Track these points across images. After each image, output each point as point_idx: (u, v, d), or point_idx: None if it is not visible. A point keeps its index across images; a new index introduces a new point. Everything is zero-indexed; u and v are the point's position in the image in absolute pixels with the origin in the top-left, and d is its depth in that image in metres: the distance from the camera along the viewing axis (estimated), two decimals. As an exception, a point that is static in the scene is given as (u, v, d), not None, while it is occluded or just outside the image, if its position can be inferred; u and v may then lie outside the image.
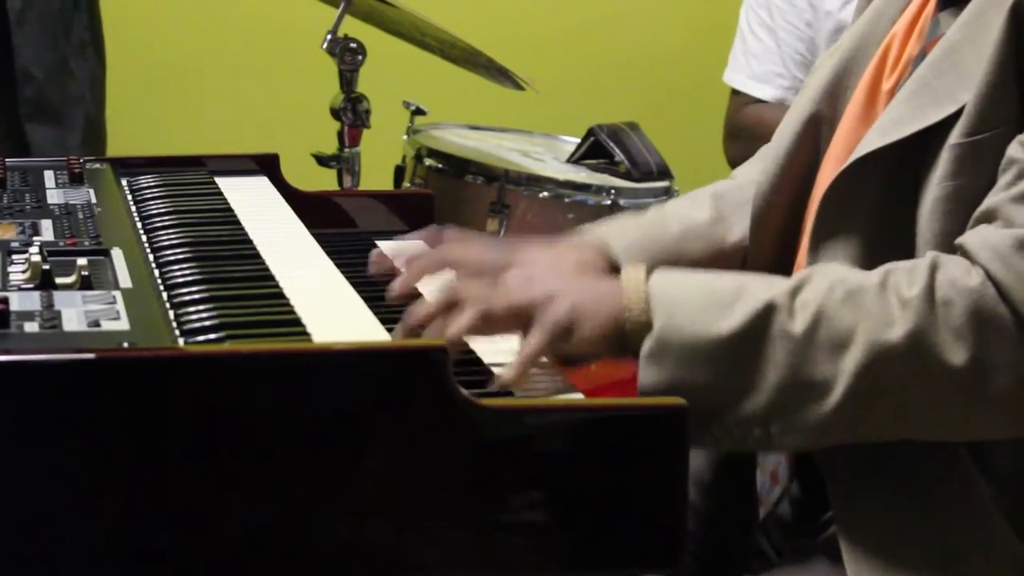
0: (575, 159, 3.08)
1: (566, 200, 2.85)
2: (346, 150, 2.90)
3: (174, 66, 3.69)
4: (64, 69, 2.82)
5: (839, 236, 1.62)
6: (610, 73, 3.61)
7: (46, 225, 1.78)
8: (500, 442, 1.35)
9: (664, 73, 3.24)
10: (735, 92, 3.16)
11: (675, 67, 3.33)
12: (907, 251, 1.56)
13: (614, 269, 1.69)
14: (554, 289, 1.51)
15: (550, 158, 3.11)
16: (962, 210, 1.54)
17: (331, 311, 1.60)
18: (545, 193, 2.84)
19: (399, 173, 3.06)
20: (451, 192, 2.90)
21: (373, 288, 1.71)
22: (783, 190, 1.76)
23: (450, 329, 1.49)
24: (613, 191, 2.86)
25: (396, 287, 1.63)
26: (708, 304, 1.48)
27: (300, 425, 1.32)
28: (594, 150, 3.06)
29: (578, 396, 1.47)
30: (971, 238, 1.49)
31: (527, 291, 1.52)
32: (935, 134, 1.56)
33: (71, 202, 1.90)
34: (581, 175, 2.96)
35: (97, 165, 2.12)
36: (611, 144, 3.03)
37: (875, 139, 1.60)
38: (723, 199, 1.83)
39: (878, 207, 1.60)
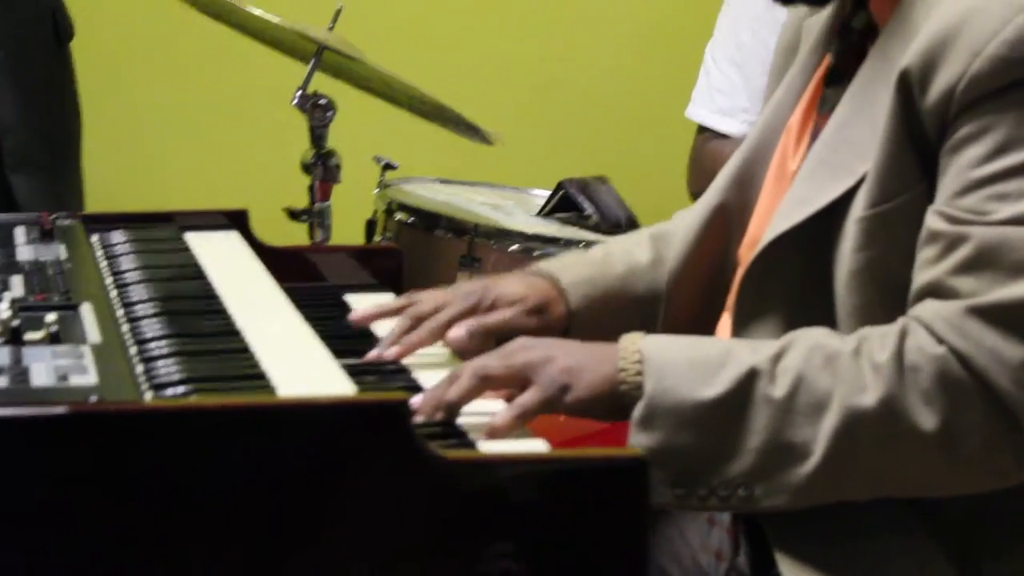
0: (546, 212, 3.11)
1: (536, 253, 2.87)
2: (317, 205, 2.94)
3: (147, 122, 3.73)
4: (46, 121, 2.87)
5: (762, 315, 1.70)
6: (580, 127, 3.66)
7: (16, 281, 1.81)
8: (463, 493, 1.37)
9: (633, 126, 3.28)
10: (700, 129, 3.18)
11: (644, 120, 3.36)
12: (830, 324, 1.61)
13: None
14: (552, 352, 1.58)
15: (521, 212, 3.15)
16: (877, 280, 1.61)
17: (297, 365, 1.62)
18: (515, 246, 2.86)
19: (370, 227, 3.09)
20: (422, 246, 2.92)
21: (340, 341, 1.75)
22: (694, 276, 1.85)
23: (450, 392, 1.55)
24: (583, 244, 2.89)
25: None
26: (695, 369, 1.55)
27: (265, 479, 1.34)
28: (564, 203, 3.09)
29: (540, 446, 1.50)
30: (924, 312, 1.54)
31: (526, 354, 1.58)
32: (840, 209, 1.63)
33: (41, 258, 1.93)
34: (551, 228, 2.99)
35: (68, 221, 2.14)
36: (581, 197, 3.06)
37: (782, 222, 1.68)
38: (662, 241, 1.93)
39: (797, 285, 1.68)
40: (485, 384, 1.57)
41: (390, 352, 1.74)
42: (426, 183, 3.28)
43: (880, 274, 1.60)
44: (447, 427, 1.54)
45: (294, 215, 2.95)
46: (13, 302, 1.64)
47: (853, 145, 1.63)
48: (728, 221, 1.84)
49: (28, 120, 2.81)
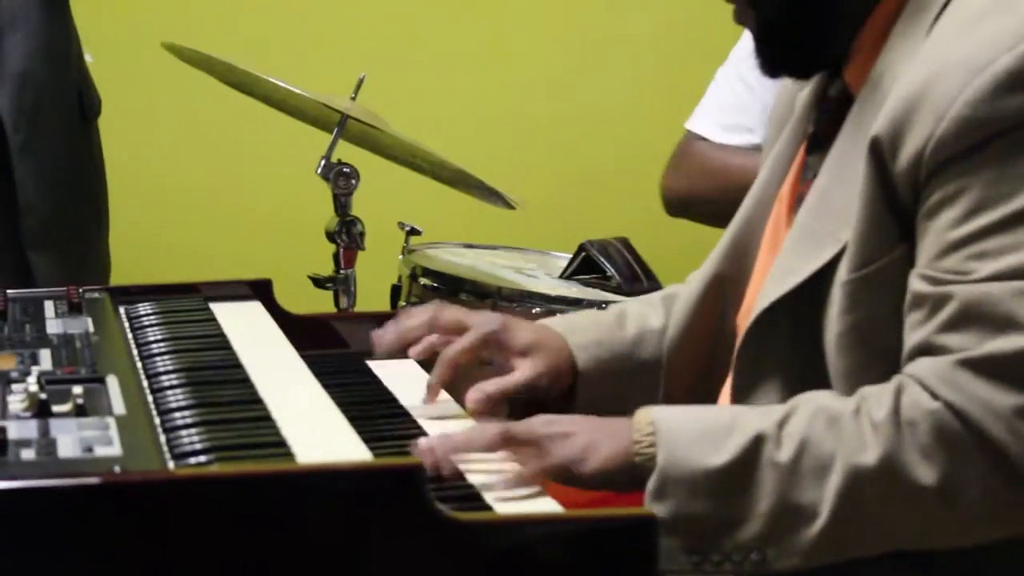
0: (567, 275, 3.13)
1: (558, 315, 2.91)
2: (342, 272, 2.99)
3: (174, 193, 3.77)
4: (68, 198, 2.87)
5: (761, 381, 1.74)
6: (600, 189, 3.69)
7: (45, 355, 1.84)
8: (478, 554, 1.42)
9: (652, 188, 3.30)
10: (690, 133, 3.14)
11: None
12: (825, 386, 1.65)
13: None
14: (572, 428, 1.64)
15: (543, 274, 3.17)
16: (864, 342, 1.64)
17: (317, 432, 1.66)
18: (537, 308, 2.88)
19: (395, 292, 3.12)
20: None
21: (360, 407, 1.80)
22: (692, 344, 1.90)
23: (474, 437, 1.64)
24: (604, 305, 2.92)
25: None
26: (704, 438, 1.58)
27: (284, 544, 1.38)
28: (586, 265, 3.11)
29: (552, 506, 1.55)
30: (918, 370, 1.57)
31: (549, 427, 1.65)
32: (827, 275, 1.66)
33: (69, 331, 1.96)
34: (572, 290, 3.02)
35: (96, 294, 2.18)
36: (602, 259, 3.08)
37: (773, 291, 1.72)
38: (674, 311, 1.96)
39: (791, 350, 1.71)
40: (506, 443, 1.63)
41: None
42: (450, 248, 3.30)
43: (866, 336, 1.64)
44: (462, 489, 1.59)
45: (319, 283, 3.00)
46: (40, 376, 1.67)
47: (834, 213, 1.67)
48: (724, 291, 1.89)
49: (48, 199, 2.83)
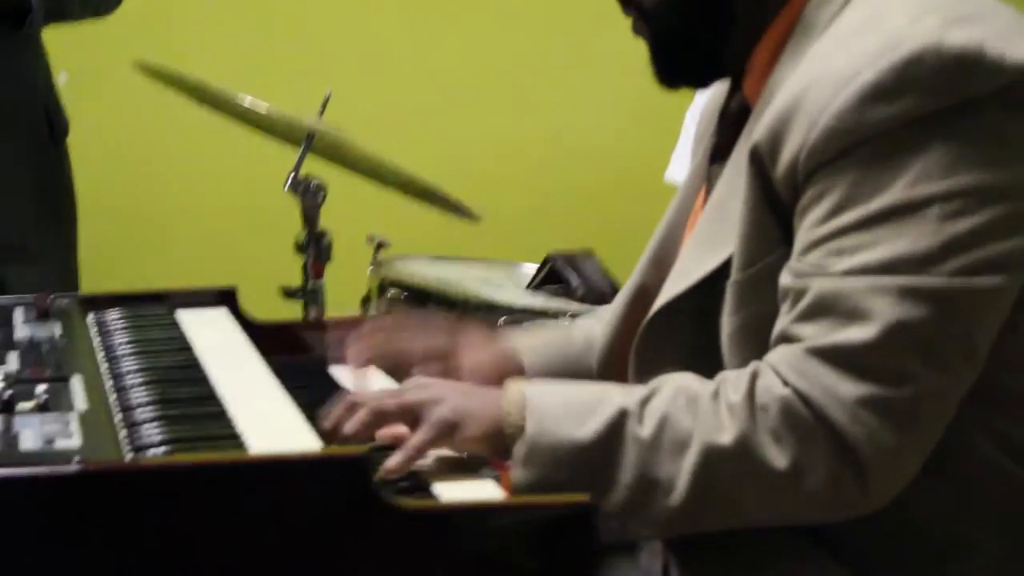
0: (534, 286, 3.17)
1: (523, 325, 2.95)
2: (311, 283, 3.00)
3: (144, 209, 3.77)
4: (37, 216, 2.88)
5: (652, 377, 1.75)
6: (566, 202, 3.71)
7: (12, 357, 1.90)
8: (419, 539, 1.46)
9: (617, 200, 3.35)
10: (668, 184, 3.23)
11: (627, 194, 3.43)
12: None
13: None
14: (443, 393, 1.69)
15: (510, 285, 3.20)
16: (753, 337, 1.68)
17: (272, 427, 1.72)
18: (504, 319, 2.90)
19: (365, 304, 3.17)
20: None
21: (317, 408, 1.80)
22: (621, 353, 1.91)
23: (347, 426, 1.67)
24: (569, 315, 2.96)
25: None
26: (571, 412, 1.63)
27: (234, 530, 1.43)
28: (552, 276, 3.15)
29: (495, 494, 1.60)
30: (772, 356, 1.62)
31: (419, 393, 1.70)
32: (720, 277, 1.70)
33: (37, 336, 2.02)
34: (538, 301, 3.05)
35: (65, 302, 2.23)
36: (568, 270, 3.12)
37: (668, 291, 1.77)
38: (603, 321, 2.00)
39: (688, 350, 1.76)
40: (380, 420, 1.68)
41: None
42: (419, 260, 3.34)
43: (754, 333, 1.68)
44: (409, 478, 1.64)
45: (289, 294, 3.02)
46: (6, 376, 1.72)
47: (727, 219, 1.71)
48: (647, 298, 1.90)
49: (15, 216, 2.84)
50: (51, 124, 2.93)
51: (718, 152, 1.86)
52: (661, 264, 1.92)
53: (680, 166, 3.24)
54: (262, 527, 1.44)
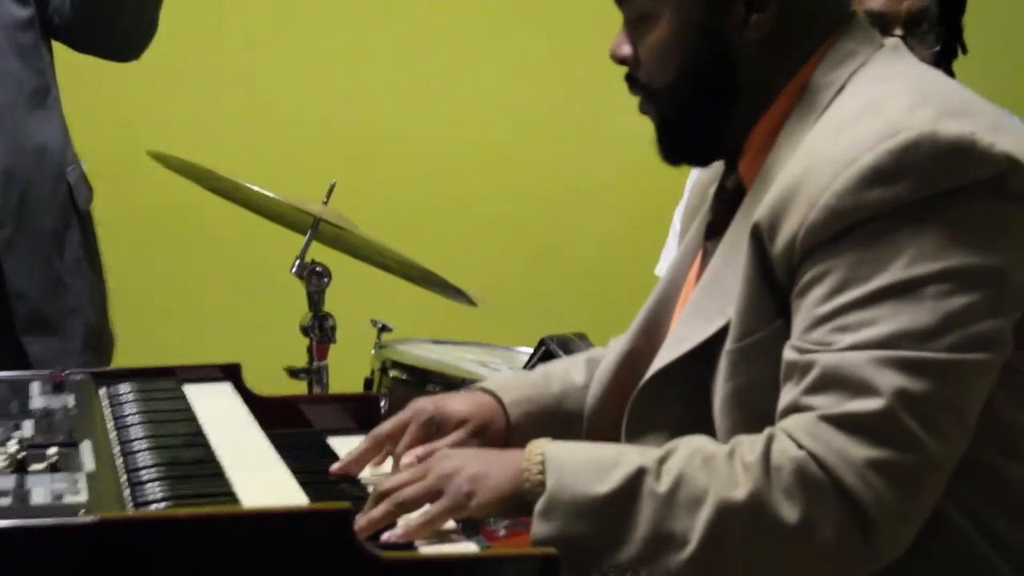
0: (529, 367, 3.09)
1: (491, 378, 2.95)
2: (315, 364, 3.05)
3: (158, 288, 3.79)
4: (59, 284, 2.87)
5: (646, 437, 1.83)
6: (560, 289, 3.72)
7: (27, 424, 1.96)
8: None
9: (609, 287, 3.39)
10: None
11: (618, 280, 3.47)
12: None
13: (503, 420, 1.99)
14: (461, 463, 1.74)
15: (506, 368, 3.23)
16: (743, 406, 1.74)
17: (266, 489, 1.78)
18: None
19: (368, 385, 3.19)
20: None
21: (312, 474, 1.90)
22: (608, 414, 1.97)
23: (369, 518, 1.73)
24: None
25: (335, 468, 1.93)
26: (591, 468, 1.68)
27: None
28: (546, 359, 3.05)
29: (470, 548, 1.67)
30: (786, 423, 1.66)
31: (440, 466, 1.75)
32: (715, 345, 1.76)
33: (51, 407, 2.07)
34: (521, 372, 3.11)
35: (79, 376, 2.27)
36: (561, 353, 3.04)
37: (664, 357, 1.82)
38: (596, 365, 2.06)
39: (681, 413, 1.81)
40: (401, 510, 1.73)
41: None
42: (419, 343, 3.36)
43: (746, 400, 1.73)
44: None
45: (294, 373, 3.07)
46: (21, 440, 1.80)
47: (724, 291, 1.76)
48: (637, 364, 1.95)
49: (38, 287, 2.84)
50: (73, 197, 2.95)
51: (712, 229, 1.92)
52: (651, 332, 1.98)
53: (661, 263, 3.34)
54: (252, 571, 1.50)
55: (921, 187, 1.65)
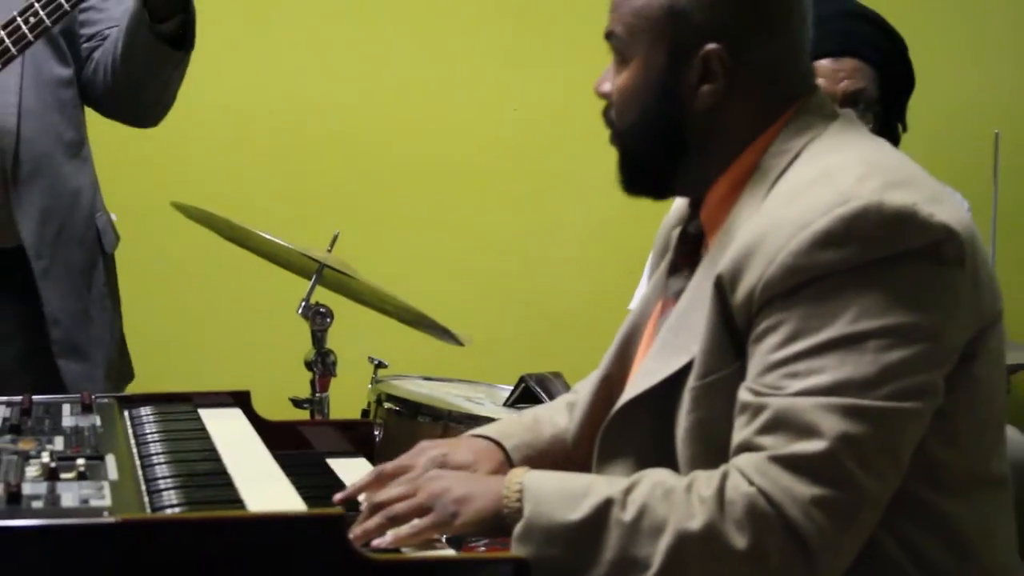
0: (509, 403, 3.19)
1: (487, 425, 2.94)
2: (317, 395, 3.04)
3: (178, 327, 3.80)
4: (86, 316, 2.87)
5: (615, 463, 1.83)
6: (538, 331, 3.73)
7: (59, 440, 1.98)
8: None
9: (583, 330, 3.40)
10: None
11: (593, 324, 3.48)
12: (672, 468, 1.75)
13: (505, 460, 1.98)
14: (449, 484, 1.76)
15: (489, 402, 3.23)
16: (703, 437, 1.74)
17: (270, 498, 1.82)
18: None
19: (364, 415, 3.18)
20: (406, 429, 3.00)
21: (313, 489, 1.93)
22: (590, 434, 1.96)
23: (360, 530, 1.73)
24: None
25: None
26: (564, 497, 1.70)
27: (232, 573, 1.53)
28: (525, 395, 3.16)
29: (449, 552, 1.70)
30: (739, 461, 1.67)
31: (429, 485, 1.77)
32: (679, 380, 1.76)
33: (80, 425, 2.09)
34: (513, 416, 3.13)
35: (105, 400, 2.30)
36: (538, 390, 3.14)
37: (631, 390, 1.83)
38: (574, 408, 2.07)
39: (648, 441, 1.81)
40: (392, 523, 1.74)
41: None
42: (411, 379, 3.36)
43: (705, 432, 1.73)
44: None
45: (297, 403, 3.06)
46: (52, 453, 1.83)
47: (689, 331, 1.77)
48: (612, 389, 1.96)
49: (70, 314, 2.84)
50: (100, 236, 2.97)
51: (674, 267, 1.93)
52: (623, 358, 1.98)
53: (634, 301, 3.35)
54: (256, 570, 1.54)
55: (867, 251, 1.66)
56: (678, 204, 2.02)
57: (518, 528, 1.68)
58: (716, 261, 1.77)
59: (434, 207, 4.01)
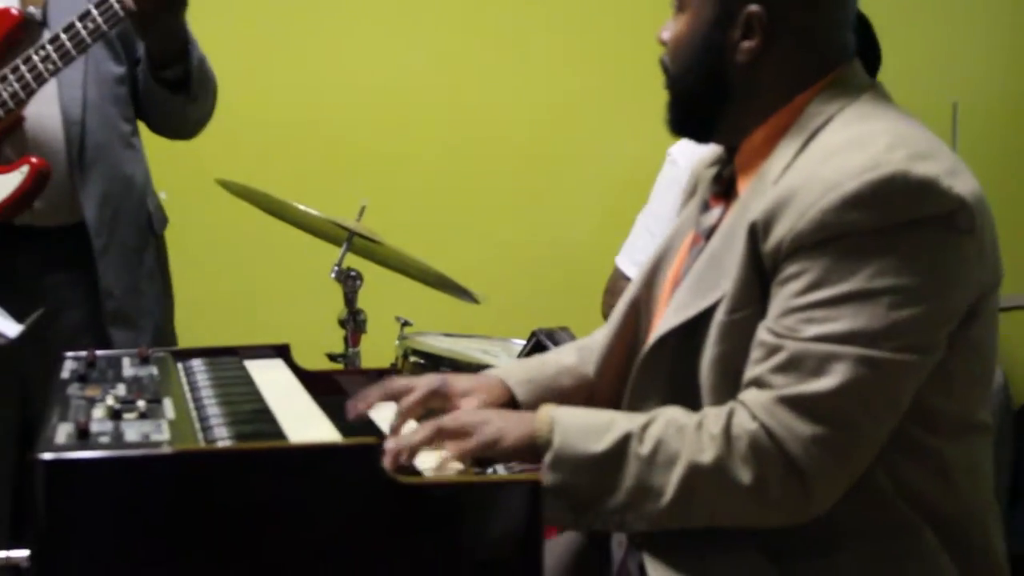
0: (522, 355, 3.21)
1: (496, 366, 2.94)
2: (350, 350, 3.11)
3: (225, 292, 3.81)
4: (137, 290, 2.90)
5: (649, 390, 1.85)
6: (548, 290, 3.73)
7: (121, 387, 2.02)
8: (413, 505, 1.60)
9: (587, 288, 3.42)
10: (616, 268, 3.35)
11: (595, 283, 3.47)
12: (696, 395, 1.77)
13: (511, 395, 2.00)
14: (488, 416, 1.80)
15: (504, 355, 3.28)
16: (727, 368, 1.75)
17: (310, 431, 1.86)
18: None
19: (392, 367, 3.26)
20: None
21: (347, 426, 1.95)
22: (616, 354, 1.99)
23: (413, 438, 1.77)
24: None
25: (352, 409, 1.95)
26: (589, 431, 1.72)
27: (277, 498, 1.57)
28: (537, 348, 3.17)
29: (469, 475, 1.74)
30: (747, 398, 1.69)
31: (471, 416, 1.81)
32: (709, 313, 1.78)
33: (139, 375, 2.13)
34: (520, 360, 3.16)
35: (160, 353, 2.33)
36: (549, 344, 3.13)
37: (669, 321, 1.83)
38: (584, 349, 2.11)
39: (675, 367, 1.82)
40: (440, 435, 1.77)
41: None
42: (433, 336, 3.42)
43: (727, 362, 1.74)
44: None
45: (333, 358, 3.13)
46: (116, 397, 1.88)
47: (721, 269, 1.78)
48: (639, 312, 1.97)
49: (122, 287, 2.87)
50: (151, 221, 3.00)
51: (705, 205, 1.95)
52: (651, 284, 1.99)
53: (627, 255, 3.35)
54: (298, 494, 1.58)
55: (890, 215, 1.67)
56: (710, 149, 2.03)
57: (548, 457, 1.71)
58: (748, 206, 1.78)
59: (452, 179, 4.00)
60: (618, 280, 3.38)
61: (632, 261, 3.34)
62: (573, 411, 1.77)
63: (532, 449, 1.74)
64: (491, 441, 1.76)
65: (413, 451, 1.76)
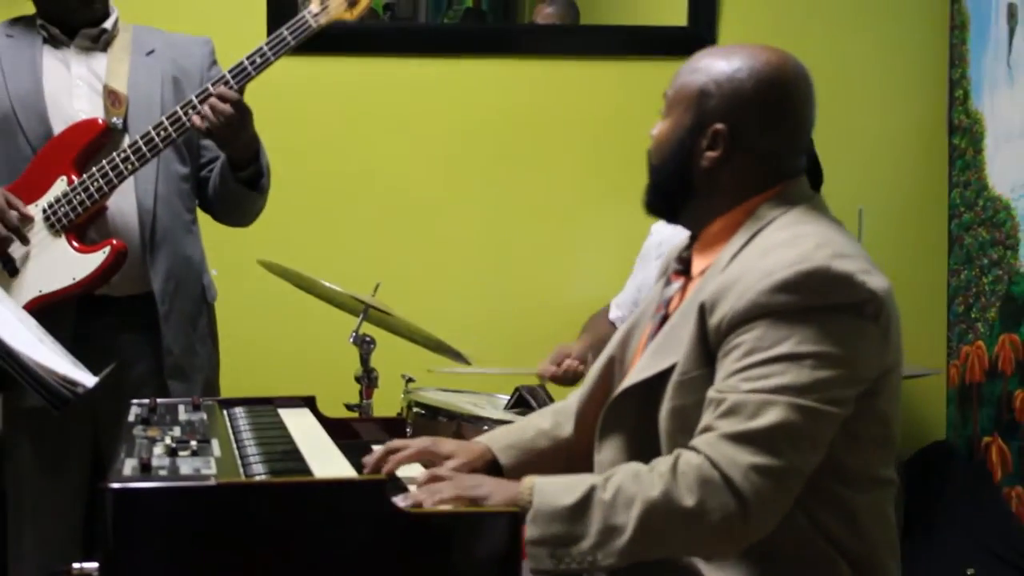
0: (507, 408, 3.23)
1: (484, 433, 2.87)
2: (364, 402, 3.08)
3: (259, 354, 3.74)
4: (192, 349, 2.90)
5: (614, 439, 1.84)
6: (529, 353, 3.46)
7: (176, 429, 2.03)
8: (415, 533, 1.61)
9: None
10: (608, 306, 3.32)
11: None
12: (656, 443, 1.77)
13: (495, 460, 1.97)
14: (482, 481, 1.78)
15: (491, 407, 3.25)
16: (681, 419, 1.75)
17: (331, 469, 1.87)
18: (486, 427, 2.91)
19: (399, 416, 3.24)
20: (429, 426, 3.03)
21: (360, 464, 1.96)
22: (593, 408, 1.94)
23: (427, 501, 1.71)
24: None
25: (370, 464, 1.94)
26: (560, 490, 1.69)
27: (303, 523, 1.58)
28: (519, 402, 3.21)
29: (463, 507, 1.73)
30: (697, 440, 1.69)
31: (469, 480, 1.78)
32: (667, 376, 1.78)
33: (192, 419, 2.14)
34: (508, 417, 3.08)
35: (209, 402, 2.35)
36: (530, 399, 3.17)
37: (630, 379, 1.83)
38: (560, 412, 2.08)
39: (638, 420, 1.81)
40: (433, 498, 1.73)
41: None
42: (432, 391, 3.39)
43: (681, 415, 1.75)
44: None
45: (350, 408, 3.09)
46: (172, 438, 1.90)
47: (678, 339, 1.78)
48: (614, 369, 1.95)
49: (180, 346, 2.86)
50: (204, 293, 2.99)
51: (667, 281, 1.96)
52: (626, 344, 1.97)
53: (616, 309, 3.33)
54: (321, 520, 1.58)
55: (812, 299, 1.68)
56: (681, 238, 2.03)
57: (529, 515, 1.68)
58: (703, 288, 1.79)
59: (452, 262, 3.91)
60: (605, 314, 3.37)
61: (615, 305, 3.35)
62: (550, 478, 1.74)
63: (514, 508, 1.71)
64: (481, 497, 1.73)
65: (415, 502, 1.74)
